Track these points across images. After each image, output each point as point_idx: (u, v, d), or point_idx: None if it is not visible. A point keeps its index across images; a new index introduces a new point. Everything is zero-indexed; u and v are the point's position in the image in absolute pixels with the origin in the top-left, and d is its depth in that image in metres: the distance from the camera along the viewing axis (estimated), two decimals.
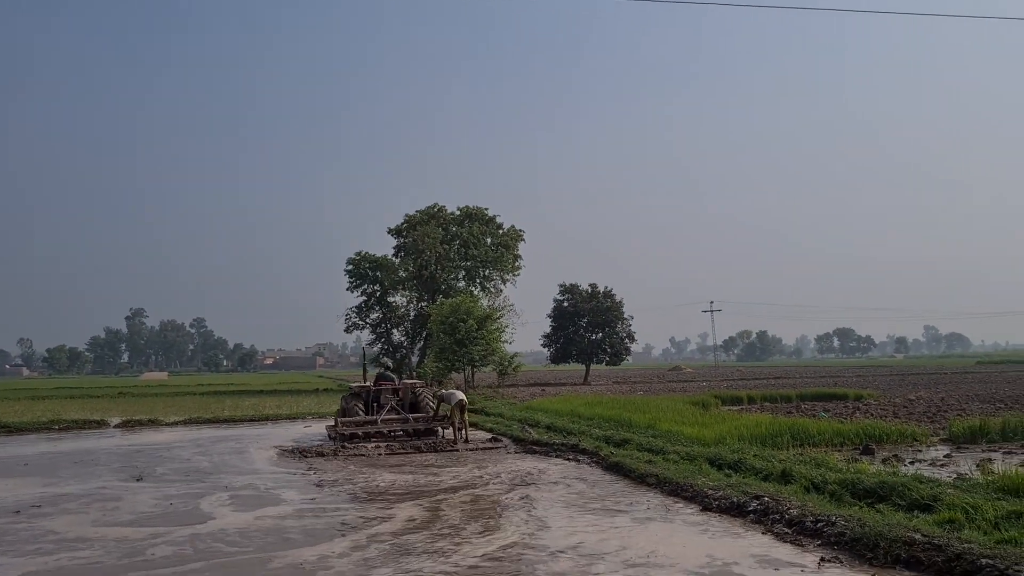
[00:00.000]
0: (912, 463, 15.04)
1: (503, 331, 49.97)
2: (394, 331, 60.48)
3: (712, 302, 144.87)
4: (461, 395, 21.84)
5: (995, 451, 16.52)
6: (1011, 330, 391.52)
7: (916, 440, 18.52)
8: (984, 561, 7.10)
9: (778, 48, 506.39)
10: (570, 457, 17.38)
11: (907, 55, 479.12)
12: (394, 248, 59.61)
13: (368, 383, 24.84)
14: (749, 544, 9.07)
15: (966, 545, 7.56)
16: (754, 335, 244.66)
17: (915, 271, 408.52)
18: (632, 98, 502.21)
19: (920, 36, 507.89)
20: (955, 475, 13.08)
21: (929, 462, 15.23)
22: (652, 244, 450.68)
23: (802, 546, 8.79)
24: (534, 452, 18.82)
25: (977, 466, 14.18)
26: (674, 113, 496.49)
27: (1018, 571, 6.75)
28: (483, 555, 8.93)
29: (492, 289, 59.14)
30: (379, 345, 60.78)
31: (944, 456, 16.02)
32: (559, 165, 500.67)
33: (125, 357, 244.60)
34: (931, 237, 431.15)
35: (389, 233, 60.07)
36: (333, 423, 23.20)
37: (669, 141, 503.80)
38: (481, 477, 15.21)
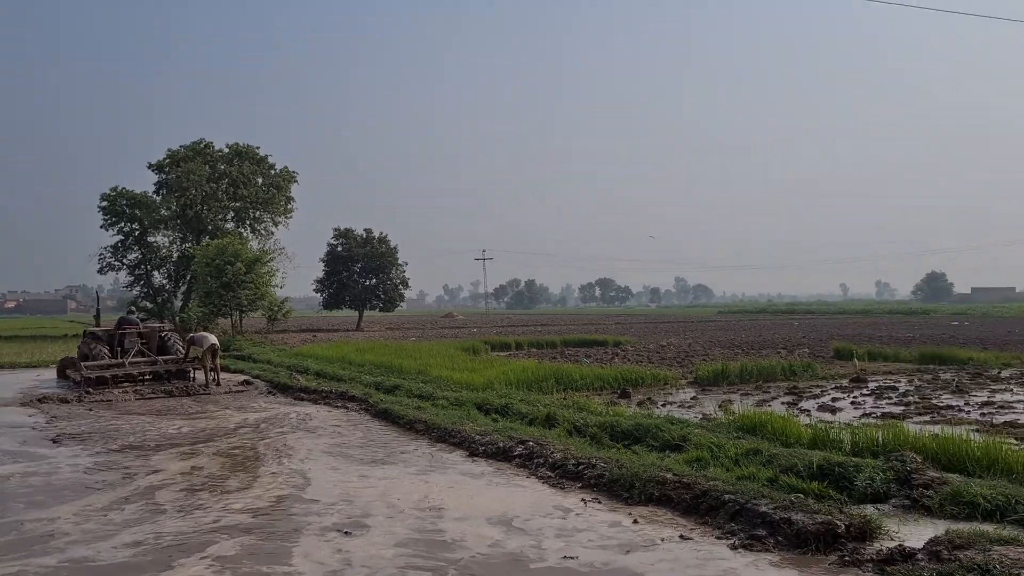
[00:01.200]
0: (664, 405, 16.07)
1: (273, 275, 48.04)
2: (155, 273, 56.43)
3: (484, 251, 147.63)
4: (213, 339, 21.38)
5: (734, 392, 18.02)
6: (747, 283, 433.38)
7: (667, 383, 19.85)
8: (727, 496, 7.63)
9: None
10: (339, 404, 17.01)
11: None
12: (155, 185, 55.41)
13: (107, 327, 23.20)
14: (518, 487, 9.23)
15: (712, 483, 8.09)
16: (523, 284, 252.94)
17: (670, 225, 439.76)
18: (421, 43, 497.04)
19: None
20: (701, 415, 14.11)
21: (679, 404, 16.34)
22: (429, 192, 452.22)
23: (564, 489, 9.07)
24: (302, 399, 18.27)
25: (719, 406, 15.40)
26: (454, 60, 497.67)
27: (756, 504, 7.30)
28: (247, 509, 8.45)
29: (263, 231, 56.65)
30: (138, 288, 56.52)
31: (691, 398, 17.26)
32: (339, 108, 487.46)
33: None
34: (681, 195, 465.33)
35: (150, 168, 55.71)
36: (62, 369, 21.66)
37: (448, 84, 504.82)
38: (242, 424, 14.51)
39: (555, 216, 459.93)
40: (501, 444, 11.20)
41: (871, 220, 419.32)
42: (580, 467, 9.56)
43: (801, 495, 7.75)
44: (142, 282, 56.12)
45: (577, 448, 10.59)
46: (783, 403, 15.96)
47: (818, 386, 19.02)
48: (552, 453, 10.29)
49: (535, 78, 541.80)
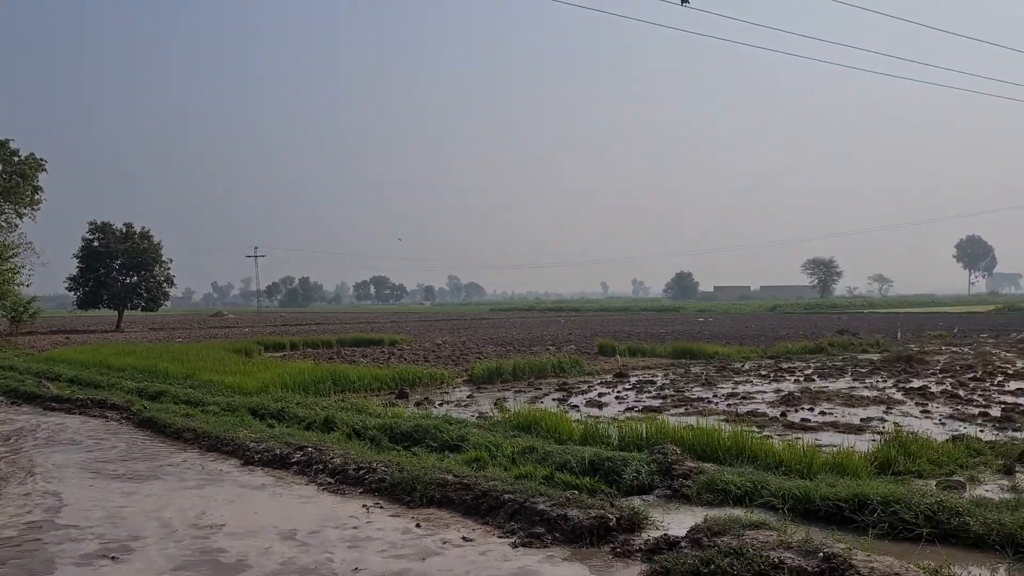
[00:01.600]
0: (442, 404, 16.26)
1: (17, 272, 43.56)
2: None
3: (256, 247, 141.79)
4: None
5: (508, 390, 18.58)
6: (515, 281, 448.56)
7: (444, 382, 20.13)
8: (507, 496, 7.85)
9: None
10: (97, 413, 15.68)
11: None
12: None
13: None
14: (300, 497, 8.96)
15: (491, 483, 8.29)
16: (297, 281, 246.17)
17: (440, 226, 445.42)
18: (181, 30, 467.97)
19: None
20: (478, 414, 14.44)
21: (456, 403, 16.60)
22: (197, 187, 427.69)
23: (345, 495, 8.93)
24: (53, 409, 16.65)
25: (495, 405, 15.82)
26: (220, 47, 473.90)
27: (534, 503, 7.57)
28: None
29: (4, 224, 51.08)
30: None
31: (467, 396, 17.59)
32: (94, 100, 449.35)
33: None
34: (452, 196, 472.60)
35: None
36: None
37: (215, 73, 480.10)
38: None
39: (330, 213, 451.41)
40: (278, 451, 10.83)
41: (628, 223, 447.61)
42: (361, 472, 9.45)
43: (576, 491, 8.13)
44: None
45: (357, 452, 10.46)
46: (554, 399, 16.66)
47: (585, 382, 20.04)
48: (332, 459, 10.09)
49: (310, 71, 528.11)
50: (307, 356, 28.52)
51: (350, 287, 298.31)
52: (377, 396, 17.58)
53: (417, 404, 16.20)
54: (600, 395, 17.29)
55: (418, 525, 7.69)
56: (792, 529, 6.62)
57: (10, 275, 42.55)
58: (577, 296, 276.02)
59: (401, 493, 8.64)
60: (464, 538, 7.22)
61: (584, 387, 18.88)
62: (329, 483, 9.43)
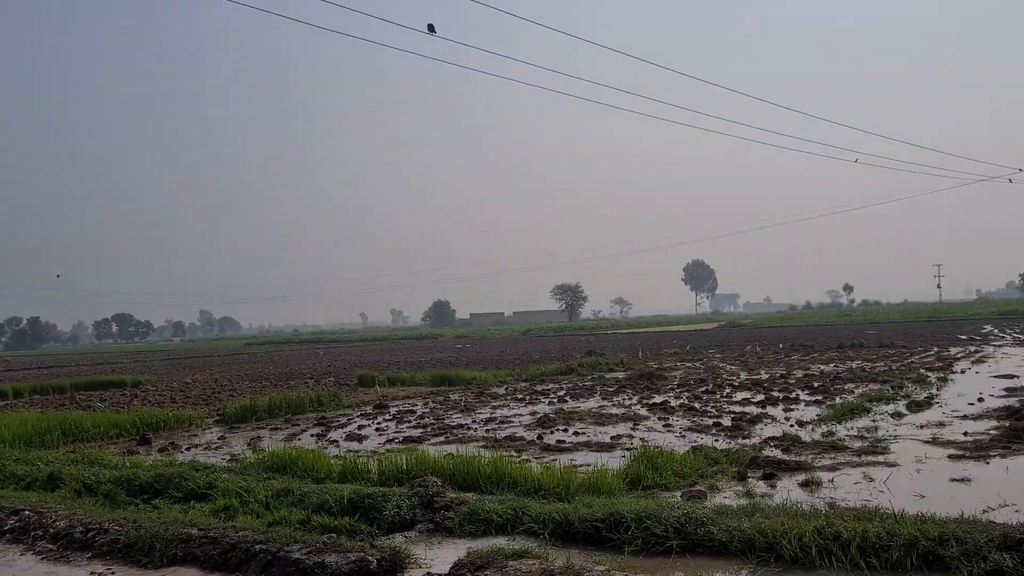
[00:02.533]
0: (189, 449, 15.10)
1: None
2: None
3: None
4: None
5: (264, 428, 17.65)
6: (273, 314, 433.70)
7: (193, 424, 18.77)
8: (259, 547, 7.28)
9: None
10: None
11: None
12: None
13: None
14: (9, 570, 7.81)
15: (241, 533, 7.67)
16: (25, 321, 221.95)
17: (188, 260, 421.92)
18: None
19: None
20: (229, 457, 13.52)
21: (204, 446, 15.49)
22: None
23: (70, 562, 7.91)
24: None
25: (248, 445, 14.94)
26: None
27: (289, 552, 7.08)
28: None
29: None
30: None
31: (219, 438, 16.48)
32: None
33: None
34: (184, 227, 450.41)
35: None
36: None
37: None
38: None
39: (62, 248, 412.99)
40: None
41: (385, 253, 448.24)
42: (90, 534, 8.41)
43: (334, 534, 7.72)
44: None
45: (86, 511, 9.34)
46: (312, 435, 16.03)
47: (345, 415, 19.50)
48: (55, 521, 8.92)
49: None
50: (34, 404, 25.58)
51: (89, 326, 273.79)
52: (115, 444, 16.01)
53: (161, 450, 14.92)
54: (360, 428, 16.85)
55: None
56: (554, 555, 6.67)
57: None
58: (336, 328, 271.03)
59: (138, 554, 7.77)
60: None
61: (344, 420, 18.34)
62: (51, 550, 8.31)
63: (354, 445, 14.46)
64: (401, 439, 14.93)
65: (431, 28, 16.87)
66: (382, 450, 13.32)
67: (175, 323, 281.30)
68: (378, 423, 17.56)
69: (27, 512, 9.39)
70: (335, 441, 15.14)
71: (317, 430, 16.83)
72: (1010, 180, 45.43)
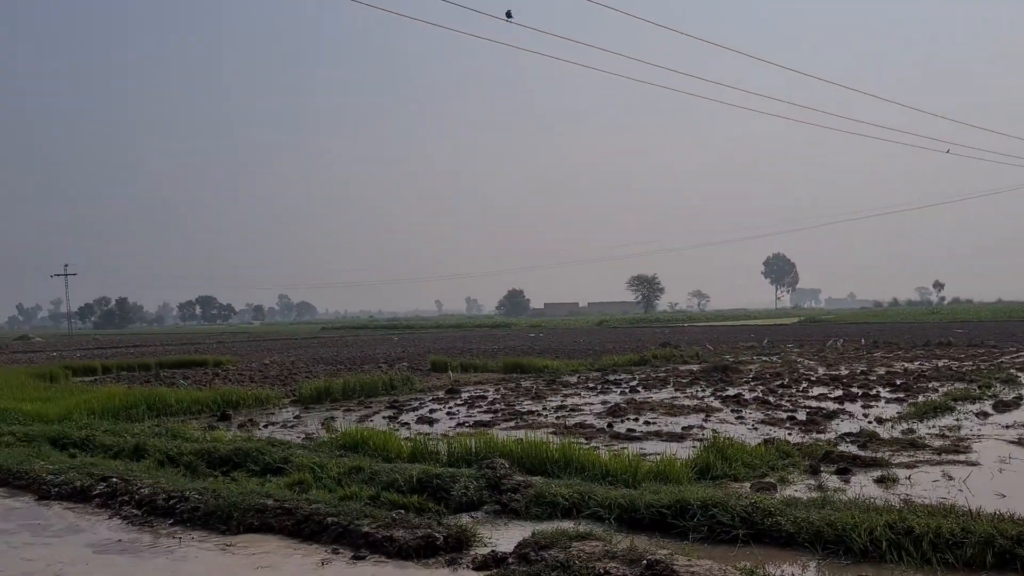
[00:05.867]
0: (266, 426, 15.55)
1: None
2: None
3: (67, 265, 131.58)
4: None
5: (337, 409, 18.04)
6: (349, 299, 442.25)
7: (270, 403, 19.28)
8: (331, 520, 7.50)
9: None
10: None
11: None
12: None
13: None
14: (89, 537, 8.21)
15: (314, 506, 7.90)
16: (113, 302, 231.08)
17: (270, 244, 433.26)
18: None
19: None
20: (304, 435, 13.89)
21: (281, 424, 15.93)
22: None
23: (153, 527, 8.26)
24: None
25: (322, 424, 15.30)
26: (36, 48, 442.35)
27: (359, 525, 7.27)
28: None
29: None
30: None
31: (294, 417, 16.93)
32: None
33: None
34: (285, 215, 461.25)
35: None
36: None
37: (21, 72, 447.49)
38: None
39: (151, 231, 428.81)
40: (79, 483, 9.92)
41: (461, 242, 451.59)
42: (172, 501, 8.78)
43: (403, 510, 7.89)
44: None
45: (169, 480, 9.74)
46: (384, 417, 16.31)
47: (416, 399, 19.78)
48: (140, 488, 9.34)
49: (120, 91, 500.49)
50: (121, 380, 26.68)
51: (174, 308, 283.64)
52: (197, 420, 16.60)
53: (240, 426, 15.41)
54: (431, 411, 17.09)
55: (230, 552, 7.20)
56: (618, 538, 6.68)
57: None
58: (412, 314, 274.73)
59: (216, 522, 8.09)
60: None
61: (415, 404, 18.62)
62: (135, 515, 8.70)
63: (425, 428, 14.67)
64: (471, 423, 15.09)
65: (509, 15, 16.96)
66: (452, 433, 13.48)
67: (255, 307, 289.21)
68: (449, 407, 17.77)
69: (115, 479, 9.83)
70: (406, 424, 15.38)
71: (389, 413, 17.12)
72: None
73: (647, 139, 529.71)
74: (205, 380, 25.28)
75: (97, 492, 9.56)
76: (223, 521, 8.06)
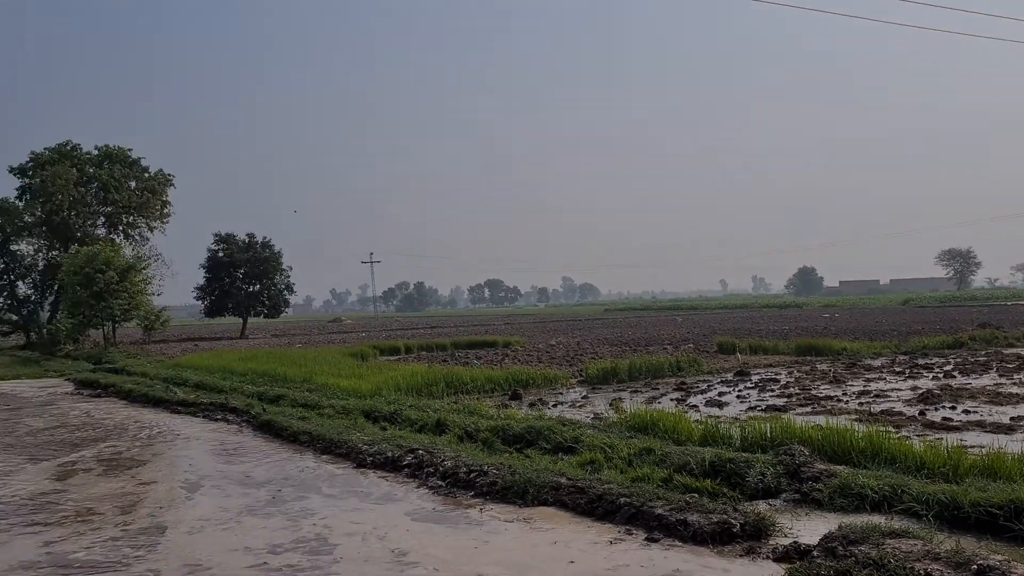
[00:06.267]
0: (555, 406, 15.94)
1: (149, 283, 45.94)
2: (19, 283, 53.18)
3: (372, 253, 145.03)
4: None
5: (624, 390, 18.09)
6: (631, 281, 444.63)
7: (558, 383, 19.76)
8: (623, 500, 7.47)
9: None
10: (218, 417, 16.16)
11: None
12: (17, 190, 52.15)
13: None
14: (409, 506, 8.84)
15: (606, 486, 7.92)
16: (412, 286, 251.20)
17: (552, 225, 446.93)
18: (293, 40, 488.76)
19: None
20: (593, 415, 14.04)
21: (570, 404, 16.26)
22: (314, 193, 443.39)
23: (456, 498, 8.74)
24: (179, 412, 17.37)
25: (610, 405, 15.38)
26: (328, 58, 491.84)
27: (652, 507, 7.16)
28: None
29: (136, 237, 54.19)
30: (0, 299, 53.10)
31: (582, 397, 17.21)
32: (216, 107, 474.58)
33: None
34: (575, 196, 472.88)
35: (11, 172, 52.38)
36: None
37: (323, 83, 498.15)
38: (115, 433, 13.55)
39: (444, 218, 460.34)
40: (390, 454, 10.77)
41: (749, 217, 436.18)
42: (472, 474, 9.24)
43: (696, 494, 7.66)
44: (5, 293, 52.79)
45: (468, 455, 10.28)
46: (672, 399, 16.10)
47: (704, 381, 19.32)
48: (443, 461, 9.94)
49: (409, 74, 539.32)
50: (421, 359, 28.77)
51: (465, 291, 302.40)
52: (490, 398, 17.42)
53: (530, 405, 15.94)
54: (720, 394, 16.61)
55: (530, 526, 7.40)
56: (939, 538, 5.99)
57: (142, 286, 44.78)
58: (695, 295, 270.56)
59: (512, 496, 8.39)
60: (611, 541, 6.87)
61: (703, 386, 18.19)
62: (440, 486, 9.27)
63: (714, 411, 14.27)
64: (764, 407, 14.45)
65: None
66: (743, 417, 12.98)
67: (540, 289, 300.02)
68: (739, 390, 17.17)
69: (421, 451, 10.54)
70: (695, 406, 15.06)
71: (676, 395, 16.88)
72: None
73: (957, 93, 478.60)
74: (496, 360, 26.51)
75: (406, 463, 10.31)
76: (519, 496, 8.33)
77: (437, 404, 15.34)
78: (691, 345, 30.39)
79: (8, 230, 51.04)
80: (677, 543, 6.78)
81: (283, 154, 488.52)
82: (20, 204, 51.68)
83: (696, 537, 6.72)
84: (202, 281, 63.09)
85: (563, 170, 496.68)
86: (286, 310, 69.90)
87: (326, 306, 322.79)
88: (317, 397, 16.82)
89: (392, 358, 30.62)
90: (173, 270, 55.58)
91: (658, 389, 18.12)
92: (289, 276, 65.35)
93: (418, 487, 9.42)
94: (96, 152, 53.90)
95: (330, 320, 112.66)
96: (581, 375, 20.82)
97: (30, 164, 51.88)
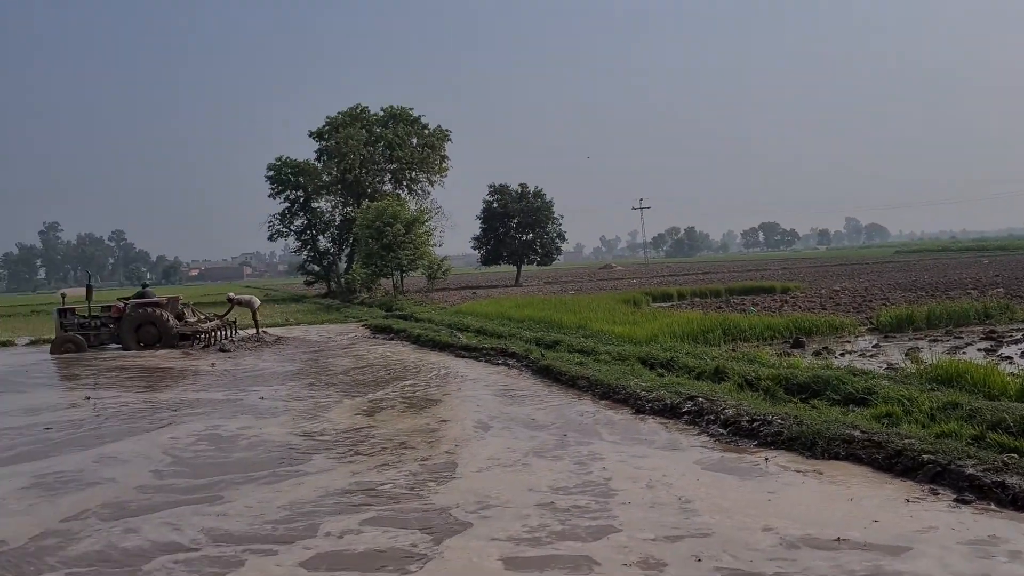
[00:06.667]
0: (843, 355, 14.99)
1: (431, 234, 49.02)
2: (320, 237, 59.03)
3: (641, 199, 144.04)
4: (257, 300, 27.96)
5: (920, 339, 16.59)
6: (926, 220, 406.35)
7: (844, 331, 18.55)
8: (927, 457, 6.85)
9: None
10: (499, 361, 16.97)
11: None
12: (316, 152, 57.64)
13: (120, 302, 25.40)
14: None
15: (906, 441, 7.30)
16: (682, 231, 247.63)
17: (835, 165, 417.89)
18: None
19: None
20: (886, 365, 13.01)
21: (859, 353, 15.21)
22: (584, 141, 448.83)
23: (739, 446, 8.50)
24: (463, 356, 18.48)
25: (906, 355, 14.16)
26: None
27: (961, 466, 6.50)
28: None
29: (419, 192, 57.89)
30: (305, 252, 59.41)
31: (873, 346, 16.03)
32: (488, 62, 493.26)
33: (42, 273, 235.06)
34: (845, 134, 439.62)
35: (311, 136, 57.96)
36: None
37: (595, 38, 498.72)
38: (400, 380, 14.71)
39: (715, 161, 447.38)
40: (668, 401, 10.69)
41: None
42: (755, 424, 8.93)
43: (1015, 454, 6.84)
44: (308, 247, 58.76)
45: (750, 403, 9.95)
46: (980, 350, 14.52)
47: (1019, 330, 17.22)
48: (723, 409, 9.69)
49: (678, 26, 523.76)
50: (694, 306, 28.27)
51: (737, 235, 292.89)
52: (770, 346, 16.71)
53: (815, 354, 15.09)
54: None
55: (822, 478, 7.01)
56: None
57: (426, 238, 47.82)
58: (1003, 233, 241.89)
59: (799, 447, 8.02)
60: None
61: (1018, 336, 16.19)
62: (721, 434, 9.06)
63: None
64: None
65: None
66: None
67: (820, 231, 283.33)
68: None
69: (700, 399, 10.37)
70: (1008, 357, 13.46)
71: (985, 344, 15.20)
72: None
73: None
74: (774, 307, 25.42)
75: (685, 410, 10.18)
76: (807, 447, 7.93)
77: (714, 352, 14.99)
78: (1001, 289, 27.21)
79: (310, 189, 56.55)
80: (992, 507, 6.13)
81: (547, 102, 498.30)
82: (319, 165, 57.03)
83: (1016, 501, 6.02)
84: (478, 231, 66.27)
85: (855, 109, 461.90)
86: (558, 258, 71.72)
87: (596, 253, 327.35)
88: (592, 343, 17.07)
89: (664, 305, 30.40)
90: (452, 221, 58.90)
91: (962, 338, 16.42)
92: (560, 224, 66.85)
93: (698, 434, 9.28)
94: (382, 113, 57.99)
95: (600, 267, 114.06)
96: (870, 323, 19.39)
97: (326, 128, 56.86)
